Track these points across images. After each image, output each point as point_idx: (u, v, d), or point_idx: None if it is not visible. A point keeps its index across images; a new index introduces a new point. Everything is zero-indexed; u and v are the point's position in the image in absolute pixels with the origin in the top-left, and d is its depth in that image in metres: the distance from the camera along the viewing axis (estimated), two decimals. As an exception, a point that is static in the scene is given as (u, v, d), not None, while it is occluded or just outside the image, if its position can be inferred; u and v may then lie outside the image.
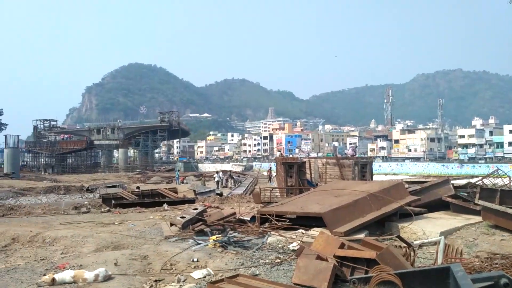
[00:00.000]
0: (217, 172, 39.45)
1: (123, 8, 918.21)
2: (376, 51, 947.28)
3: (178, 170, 55.55)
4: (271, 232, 8.73)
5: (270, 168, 42.78)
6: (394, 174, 68.61)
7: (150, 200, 17.92)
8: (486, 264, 5.66)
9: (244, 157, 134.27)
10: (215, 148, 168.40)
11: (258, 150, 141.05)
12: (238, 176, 47.18)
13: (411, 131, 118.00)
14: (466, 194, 11.01)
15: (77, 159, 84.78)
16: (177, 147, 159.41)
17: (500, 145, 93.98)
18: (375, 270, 4.88)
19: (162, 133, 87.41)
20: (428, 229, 8.44)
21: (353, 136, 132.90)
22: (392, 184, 10.60)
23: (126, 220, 12.71)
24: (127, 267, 7.02)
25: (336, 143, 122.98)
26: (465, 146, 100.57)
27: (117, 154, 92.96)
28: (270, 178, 39.05)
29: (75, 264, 7.37)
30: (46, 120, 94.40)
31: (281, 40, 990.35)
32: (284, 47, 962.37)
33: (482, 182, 11.87)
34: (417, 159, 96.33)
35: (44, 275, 6.62)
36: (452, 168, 71.83)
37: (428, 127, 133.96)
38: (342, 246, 5.89)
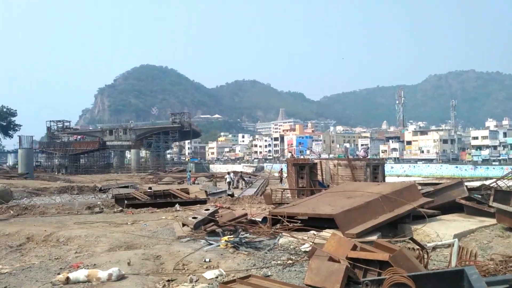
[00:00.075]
0: (229, 173, 39.52)
1: (135, 11, 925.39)
2: (387, 52, 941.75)
3: (190, 171, 55.84)
4: (283, 233, 8.73)
5: (281, 169, 42.76)
6: (407, 175, 67.99)
7: (162, 201, 18.02)
8: (501, 267, 5.60)
9: (255, 158, 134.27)
10: (226, 149, 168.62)
11: (269, 151, 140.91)
12: (249, 177, 47.21)
13: (423, 132, 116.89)
14: (480, 196, 10.87)
15: (90, 160, 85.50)
16: (188, 148, 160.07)
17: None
18: (388, 272, 4.86)
19: (173, 134, 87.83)
20: (442, 231, 8.37)
21: (365, 137, 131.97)
22: (405, 185, 10.52)
23: (138, 220, 12.81)
24: (140, 267, 7.08)
25: (347, 144, 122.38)
26: (479, 147, 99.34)
27: (129, 155, 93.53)
28: (281, 179, 39.01)
29: (89, 263, 7.45)
30: (59, 121, 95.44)
31: (292, 41, 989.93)
32: (295, 48, 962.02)
33: (496, 184, 11.70)
34: (430, 160, 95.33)
35: (59, 274, 6.70)
36: (466, 170, 70.92)
37: (440, 128, 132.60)
38: (354, 247, 5.86)
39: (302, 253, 7.44)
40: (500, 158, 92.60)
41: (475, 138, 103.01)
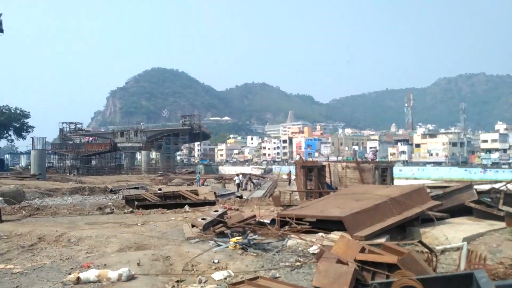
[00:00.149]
0: (238, 175, 39.56)
1: (147, 15, 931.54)
2: (397, 55, 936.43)
3: (199, 173, 55.93)
4: (291, 235, 8.75)
5: (290, 171, 42.74)
6: (415, 178, 67.45)
7: (172, 202, 18.14)
8: (511, 270, 5.58)
9: (263, 160, 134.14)
10: (235, 151, 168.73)
11: (278, 153, 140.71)
12: (258, 179, 47.16)
13: (432, 135, 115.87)
14: (489, 200, 10.78)
15: (101, 161, 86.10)
16: (198, 150, 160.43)
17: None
18: (396, 275, 4.87)
19: (183, 136, 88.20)
20: (451, 234, 8.32)
21: (373, 140, 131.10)
22: (414, 188, 10.47)
23: (148, 221, 12.91)
24: (150, 267, 7.15)
25: (356, 147, 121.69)
26: (488, 150, 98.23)
27: (140, 156, 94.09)
28: (289, 181, 38.98)
29: (99, 263, 7.54)
30: (72, 123, 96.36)
31: (301, 44, 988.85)
32: (304, 51, 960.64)
33: (506, 187, 11.61)
34: (439, 163, 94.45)
35: (70, 274, 6.80)
36: (475, 173, 70.17)
37: (450, 131, 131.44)
38: (362, 250, 5.87)
39: (310, 255, 7.46)
40: (510, 161, 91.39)
41: (485, 141, 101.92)
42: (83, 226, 11.91)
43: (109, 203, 18.84)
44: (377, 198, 9.35)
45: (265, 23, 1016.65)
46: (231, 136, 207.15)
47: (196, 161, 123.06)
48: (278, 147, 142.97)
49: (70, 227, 11.57)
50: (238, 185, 34.48)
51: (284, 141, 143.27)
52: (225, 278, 6.37)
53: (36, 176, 47.29)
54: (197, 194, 20.21)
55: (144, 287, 6.17)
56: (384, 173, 19.26)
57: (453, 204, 10.76)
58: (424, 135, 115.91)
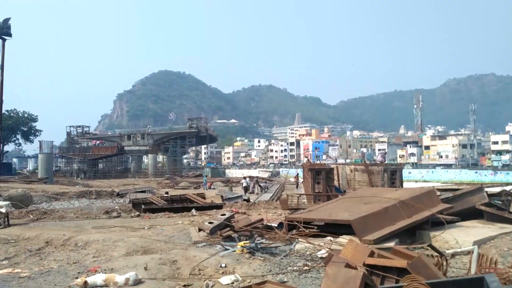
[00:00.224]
0: (245, 178, 39.57)
1: (153, 18, 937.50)
2: (405, 56, 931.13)
3: (206, 176, 56.07)
4: (299, 239, 8.68)
5: (297, 174, 42.65)
6: (425, 181, 67.00)
7: (178, 205, 18.11)
8: (523, 275, 5.46)
9: (270, 163, 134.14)
10: (242, 154, 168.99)
11: (285, 156, 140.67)
12: (265, 182, 47.13)
13: (442, 137, 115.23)
14: (500, 202, 10.67)
15: (108, 165, 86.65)
16: (204, 153, 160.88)
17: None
18: (406, 280, 4.80)
19: (190, 139, 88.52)
20: (461, 238, 8.22)
21: (382, 142, 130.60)
22: (424, 191, 10.36)
23: (155, 225, 12.91)
24: (157, 272, 7.12)
25: (364, 149, 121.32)
26: (499, 152, 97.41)
27: (147, 159, 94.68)
28: (297, 184, 38.88)
29: (106, 267, 7.53)
30: (79, 126, 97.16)
31: (308, 45, 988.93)
32: (312, 52, 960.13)
33: (518, 189, 11.48)
34: (449, 165, 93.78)
35: (77, 278, 6.79)
36: (485, 175, 69.59)
37: (460, 133, 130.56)
38: (372, 254, 5.79)
39: (318, 259, 7.39)
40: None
41: (495, 142, 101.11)
42: (90, 230, 11.93)
43: (116, 207, 18.89)
44: (386, 201, 9.25)
45: (272, 25, 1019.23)
46: (238, 138, 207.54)
47: (203, 164, 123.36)
48: (285, 150, 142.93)
49: (77, 231, 11.60)
50: (246, 188, 34.46)
51: (292, 144, 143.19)
52: (233, 283, 6.32)
53: (44, 180, 47.63)
54: (204, 198, 20.18)
55: (151, 292, 6.13)
56: (393, 175, 19.10)
57: (463, 207, 10.64)
58: (433, 137, 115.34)
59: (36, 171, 64.39)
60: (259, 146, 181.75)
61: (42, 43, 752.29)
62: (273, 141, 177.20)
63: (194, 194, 21.16)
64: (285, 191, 31.06)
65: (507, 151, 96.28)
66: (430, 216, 9.10)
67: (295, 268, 6.99)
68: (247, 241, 8.77)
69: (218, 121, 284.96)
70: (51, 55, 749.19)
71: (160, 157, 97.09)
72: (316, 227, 9.02)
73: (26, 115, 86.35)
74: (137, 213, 16.72)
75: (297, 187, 37.59)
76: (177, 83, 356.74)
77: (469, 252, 6.94)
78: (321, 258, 7.33)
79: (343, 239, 7.88)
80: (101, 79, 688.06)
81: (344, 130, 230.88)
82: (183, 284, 6.43)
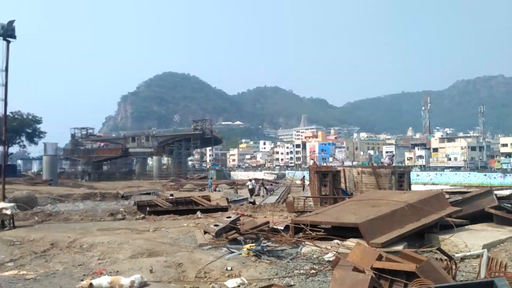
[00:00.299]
0: (250, 180, 39.51)
1: (157, 19, 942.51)
2: (413, 57, 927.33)
3: (211, 178, 56.02)
4: (306, 242, 8.61)
5: (304, 176, 42.53)
6: (433, 183, 66.67)
7: (183, 208, 18.11)
8: (534, 279, 5.35)
9: (276, 165, 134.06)
10: (247, 156, 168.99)
11: (291, 158, 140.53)
12: (271, 185, 47.04)
13: (450, 139, 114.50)
14: (510, 205, 10.58)
15: (113, 167, 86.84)
16: (209, 155, 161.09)
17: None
18: (415, 284, 4.75)
19: (195, 141, 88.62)
20: (470, 241, 8.15)
21: (390, 144, 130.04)
22: (432, 194, 10.26)
23: (160, 227, 12.88)
24: (162, 274, 7.08)
25: (371, 152, 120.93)
26: (508, 155, 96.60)
27: (151, 161, 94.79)
28: (303, 187, 38.77)
29: (111, 270, 7.50)
30: (83, 128, 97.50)
31: (314, 46, 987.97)
32: (317, 53, 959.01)
33: (528, 192, 11.34)
34: (457, 168, 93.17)
35: (82, 280, 6.77)
36: (495, 178, 69.08)
37: (468, 135, 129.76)
38: (379, 257, 5.72)
39: (325, 263, 7.32)
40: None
41: (505, 145, 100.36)
42: (95, 232, 11.93)
43: (121, 209, 18.92)
44: (394, 204, 9.17)
45: (277, 26, 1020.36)
46: (243, 140, 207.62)
47: (208, 167, 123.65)
48: (291, 152, 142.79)
49: (82, 233, 11.60)
50: (251, 191, 34.38)
51: (298, 146, 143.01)
52: (239, 286, 6.28)
53: (48, 182, 47.80)
54: (209, 200, 20.17)
55: (156, 295, 6.08)
56: (401, 178, 18.99)
57: (472, 210, 10.55)
58: (442, 139, 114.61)
59: (41, 173, 64.70)
60: (264, 148, 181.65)
61: (46, 45, 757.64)
62: (278, 143, 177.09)
63: (199, 196, 21.17)
64: (291, 194, 31.00)
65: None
66: (438, 219, 9.01)
67: (301, 271, 6.92)
68: (253, 244, 8.71)
69: (223, 123, 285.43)
70: (56, 57, 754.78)
71: (164, 159, 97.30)
72: (322, 230, 8.95)
73: (30, 117, 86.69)
74: (142, 215, 16.73)
75: (303, 189, 37.47)
76: (182, 85, 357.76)
77: (479, 256, 6.87)
78: (328, 261, 7.27)
79: (351, 242, 7.81)
80: (105, 81, 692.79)
81: (351, 132, 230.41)
82: (188, 287, 6.38)
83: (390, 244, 7.69)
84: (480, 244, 7.83)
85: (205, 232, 10.03)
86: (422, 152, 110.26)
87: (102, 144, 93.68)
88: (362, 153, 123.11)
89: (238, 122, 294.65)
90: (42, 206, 24.40)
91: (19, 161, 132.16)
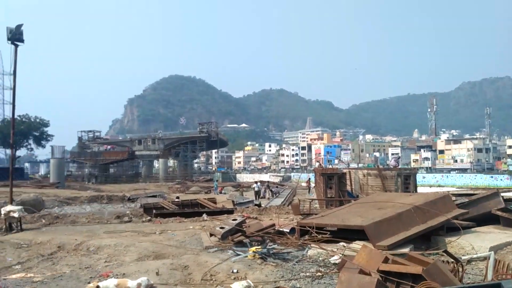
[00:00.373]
0: (256, 182, 39.54)
1: (164, 22, 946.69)
2: (419, 59, 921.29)
3: (217, 180, 56.12)
4: (311, 245, 8.60)
5: (309, 179, 42.44)
6: (439, 186, 66.17)
7: (189, 210, 18.16)
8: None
9: (282, 168, 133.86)
10: (253, 159, 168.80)
11: (296, 160, 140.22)
12: (277, 187, 47.01)
13: (457, 141, 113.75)
14: (517, 207, 10.47)
15: (119, 169, 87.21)
16: (215, 158, 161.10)
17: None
18: (421, 286, 4.73)
19: (201, 144, 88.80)
20: (477, 243, 8.11)
21: (395, 146, 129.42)
22: (438, 196, 10.22)
23: (166, 229, 12.91)
24: (168, 277, 7.10)
25: (377, 154, 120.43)
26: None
27: (158, 164, 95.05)
28: (309, 189, 38.69)
29: (118, 272, 7.53)
30: (90, 131, 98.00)
31: (320, 48, 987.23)
32: (323, 56, 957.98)
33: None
34: (464, 170, 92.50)
35: (89, 283, 6.80)
36: (501, 180, 68.44)
37: (475, 137, 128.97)
38: (386, 260, 5.70)
39: (331, 265, 7.31)
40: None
41: (511, 147, 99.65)
42: (101, 235, 11.97)
43: (127, 212, 18.99)
44: (400, 207, 9.14)
45: (283, 28, 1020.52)
46: (249, 143, 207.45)
47: (214, 169, 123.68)
48: (296, 154, 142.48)
49: (89, 236, 11.65)
50: (257, 193, 34.38)
51: (303, 148, 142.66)
52: (244, 289, 6.25)
53: (55, 185, 48.09)
54: (215, 203, 20.20)
55: (162, 297, 6.10)
56: (407, 180, 18.88)
57: (479, 212, 10.50)
58: (448, 141, 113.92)
59: (48, 176, 65.06)
60: (270, 150, 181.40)
61: (53, 48, 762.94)
62: (284, 145, 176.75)
63: (205, 199, 21.21)
64: (296, 196, 30.94)
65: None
66: (445, 222, 8.98)
67: (307, 274, 6.91)
68: (259, 247, 8.71)
69: (229, 125, 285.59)
70: (63, 61, 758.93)
71: (170, 162, 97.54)
72: (328, 233, 8.93)
73: (38, 120, 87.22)
74: (148, 218, 16.77)
75: (309, 192, 37.39)
76: (188, 87, 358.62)
77: (485, 258, 6.84)
78: (334, 264, 7.26)
79: (357, 245, 7.78)
80: (112, 84, 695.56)
81: (357, 134, 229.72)
82: (195, 290, 6.39)
83: (396, 246, 7.67)
84: (487, 246, 7.79)
85: (211, 235, 10.05)
86: (428, 154, 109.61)
87: (108, 147, 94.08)
88: (367, 155, 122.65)
89: (243, 125, 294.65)
90: (49, 209, 24.56)
91: (27, 164, 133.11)
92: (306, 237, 9.31)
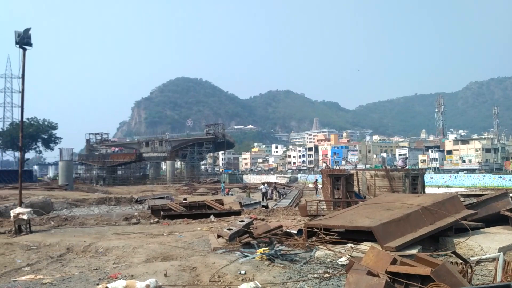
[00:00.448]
0: (263, 184, 39.55)
1: (170, 25, 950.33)
2: (426, 59, 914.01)
3: (224, 182, 56.18)
4: (319, 246, 8.59)
5: (316, 180, 42.38)
6: (447, 186, 65.77)
7: (197, 212, 18.18)
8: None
9: (288, 169, 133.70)
10: (260, 160, 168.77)
11: (303, 161, 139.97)
12: (284, 188, 46.97)
13: (465, 141, 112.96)
14: (526, 208, 10.36)
15: (127, 171, 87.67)
16: (222, 159, 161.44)
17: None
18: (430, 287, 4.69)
19: (208, 145, 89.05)
20: (486, 244, 8.05)
21: (403, 147, 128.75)
22: (447, 197, 10.15)
23: (174, 231, 12.96)
24: (176, 278, 7.12)
25: (384, 154, 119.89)
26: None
27: (165, 166, 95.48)
28: (316, 190, 38.63)
29: (126, 274, 7.57)
30: (98, 133, 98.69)
31: (326, 49, 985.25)
32: (329, 56, 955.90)
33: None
34: (472, 170, 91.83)
35: (98, 284, 6.85)
36: (510, 180, 67.79)
37: (483, 137, 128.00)
38: (394, 261, 5.68)
39: (339, 267, 7.29)
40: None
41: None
42: (110, 237, 12.04)
43: (135, 213, 19.07)
44: (408, 208, 9.09)
45: (289, 29, 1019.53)
46: (256, 144, 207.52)
47: (221, 170, 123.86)
48: (303, 155, 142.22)
49: (97, 238, 11.72)
50: (264, 194, 34.37)
51: (310, 149, 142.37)
52: (252, 290, 6.25)
53: (64, 187, 48.37)
54: (222, 204, 20.21)
55: (170, 299, 6.12)
56: (415, 181, 18.79)
57: (488, 213, 10.42)
58: (456, 141, 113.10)
59: (57, 178, 65.47)
60: (276, 151, 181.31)
61: (61, 52, 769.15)
62: (291, 146, 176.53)
63: (212, 200, 21.23)
64: (304, 197, 30.88)
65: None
66: (453, 223, 8.92)
67: (315, 275, 6.90)
68: (267, 248, 8.71)
69: (236, 127, 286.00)
70: (71, 64, 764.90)
71: (178, 164, 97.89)
72: (336, 234, 8.92)
73: (46, 123, 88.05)
74: (156, 219, 16.84)
75: (316, 193, 37.34)
76: (194, 89, 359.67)
77: (495, 259, 6.78)
78: (342, 265, 7.24)
79: (364, 246, 7.76)
80: (119, 87, 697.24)
81: (364, 135, 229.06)
82: (203, 291, 6.40)
83: (404, 247, 7.64)
84: (496, 247, 7.72)
85: (219, 236, 10.07)
86: (436, 155, 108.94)
87: (116, 149, 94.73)
88: (375, 156, 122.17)
89: (250, 126, 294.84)
90: (58, 211, 24.74)
91: (35, 167, 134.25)
92: (314, 238, 9.29)
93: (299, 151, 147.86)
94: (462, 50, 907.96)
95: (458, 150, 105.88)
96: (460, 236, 8.71)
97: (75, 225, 15.46)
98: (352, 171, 20.05)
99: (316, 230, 9.24)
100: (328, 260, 7.86)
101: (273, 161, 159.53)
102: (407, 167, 27.38)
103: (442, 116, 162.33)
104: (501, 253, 6.85)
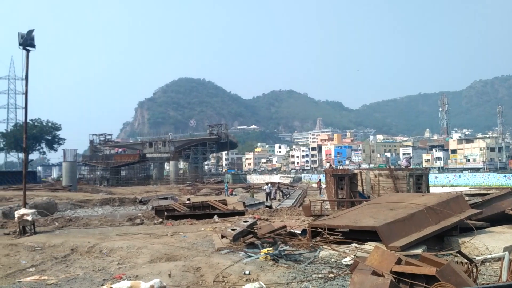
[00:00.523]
0: (267, 184, 39.54)
1: (173, 26, 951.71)
2: (430, 58, 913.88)
3: (227, 182, 56.23)
4: (323, 246, 8.56)
5: (320, 180, 42.34)
6: (452, 185, 65.54)
7: (201, 212, 18.21)
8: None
9: (292, 169, 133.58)
10: (263, 160, 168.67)
11: (307, 161, 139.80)
12: (287, 188, 46.94)
13: (469, 140, 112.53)
14: (532, 207, 10.30)
15: (130, 172, 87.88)
16: (225, 159, 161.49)
17: None
18: (435, 287, 4.66)
19: (211, 146, 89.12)
20: (491, 244, 8.00)
21: (407, 146, 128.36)
22: (451, 196, 10.10)
23: (178, 231, 12.96)
24: (181, 279, 7.12)
25: (388, 154, 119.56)
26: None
27: (168, 166, 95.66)
28: (320, 190, 38.58)
29: (131, 274, 7.57)
30: (101, 134, 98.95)
31: (329, 49, 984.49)
32: (333, 56, 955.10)
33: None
34: (476, 169, 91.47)
35: (102, 285, 6.85)
36: (515, 179, 67.57)
37: (487, 136, 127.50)
38: (399, 261, 5.65)
39: (344, 267, 7.27)
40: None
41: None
42: (114, 237, 12.06)
43: (139, 214, 19.09)
44: (412, 207, 9.06)
45: (292, 29, 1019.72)
46: (259, 144, 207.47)
47: (224, 171, 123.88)
48: (307, 155, 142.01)
49: (101, 238, 11.74)
50: (268, 194, 34.35)
51: (313, 149, 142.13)
52: (257, 290, 6.24)
53: (68, 188, 48.57)
54: (225, 204, 20.22)
55: (175, 299, 6.11)
56: (419, 180, 18.74)
57: (493, 212, 10.36)
58: (460, 140, 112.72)
59: (60, 179, 65.73)
60: (280, 151, 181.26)
61: (64, 53, 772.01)
62: (294, 146, 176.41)
63: (216, 200, 21.24)
64: (307, 197, 30.85)
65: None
66: (458, 222, 8.87)
67: (320, 275, 6.88)
68: (271, 248, 8.70)
69: (239, 127, 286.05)
70: (74, 65, 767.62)
71: (181, 164, 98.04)
72: (340, 234, 8.89)
73: (50, 124, 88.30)
74: (160, 220, 16.86)
75: (320, 193, 37.29)
76: (197, 90, 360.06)
77: (500, 259, 6.76)
78: (347, 265, 7.22)
79: (369, 246, 7.74)
80: (122, 88, 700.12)
81: (367, 135, 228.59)
82: (207, 292, 6.40)
83: (409, 247, 7.60)
84: (501, 247, 7.67)
85: (223, 236, 10.06)
86: (440, 154, 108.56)
87: (120, 150, 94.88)
88: (378, 155, 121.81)
89: (253, 126, 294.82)
90: (62, 212, 24.82)
91: (39, 168, 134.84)
92: (318, 238, 9.27)
93: (303, 151, 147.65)
94: (466, 48, 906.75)
95: (462, 149, 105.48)
96: (465, 236, 8.66)
97: (79, 226, 15.50)
98: (356, 171, 20.00)
99: (320, 230, 9.22)
100: (332, 260, 7.84)
101: (276, 161, 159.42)
102: (411, 167, 27.30)
103: (446, 115, 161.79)
104: (507, 252, 6.81)
